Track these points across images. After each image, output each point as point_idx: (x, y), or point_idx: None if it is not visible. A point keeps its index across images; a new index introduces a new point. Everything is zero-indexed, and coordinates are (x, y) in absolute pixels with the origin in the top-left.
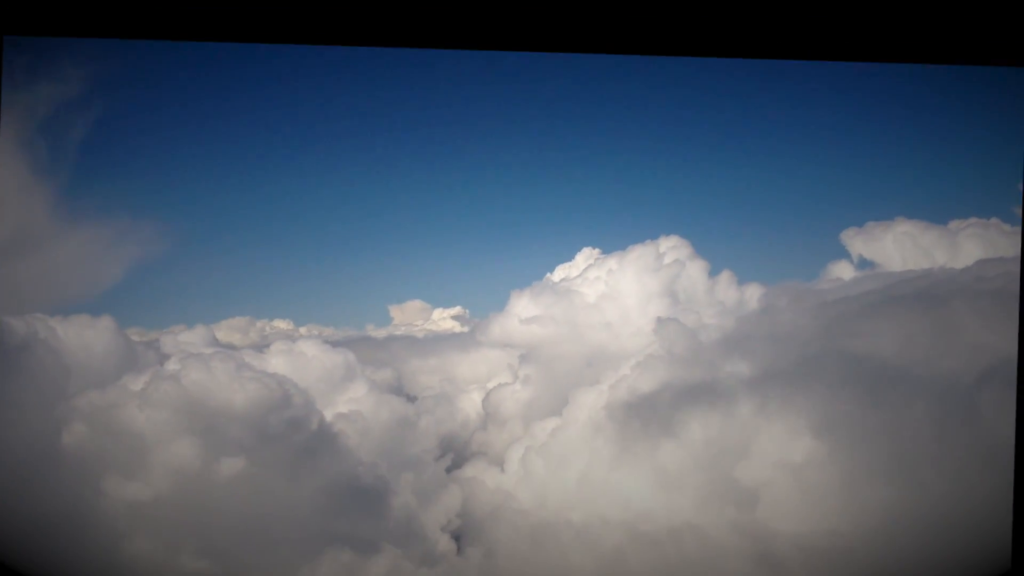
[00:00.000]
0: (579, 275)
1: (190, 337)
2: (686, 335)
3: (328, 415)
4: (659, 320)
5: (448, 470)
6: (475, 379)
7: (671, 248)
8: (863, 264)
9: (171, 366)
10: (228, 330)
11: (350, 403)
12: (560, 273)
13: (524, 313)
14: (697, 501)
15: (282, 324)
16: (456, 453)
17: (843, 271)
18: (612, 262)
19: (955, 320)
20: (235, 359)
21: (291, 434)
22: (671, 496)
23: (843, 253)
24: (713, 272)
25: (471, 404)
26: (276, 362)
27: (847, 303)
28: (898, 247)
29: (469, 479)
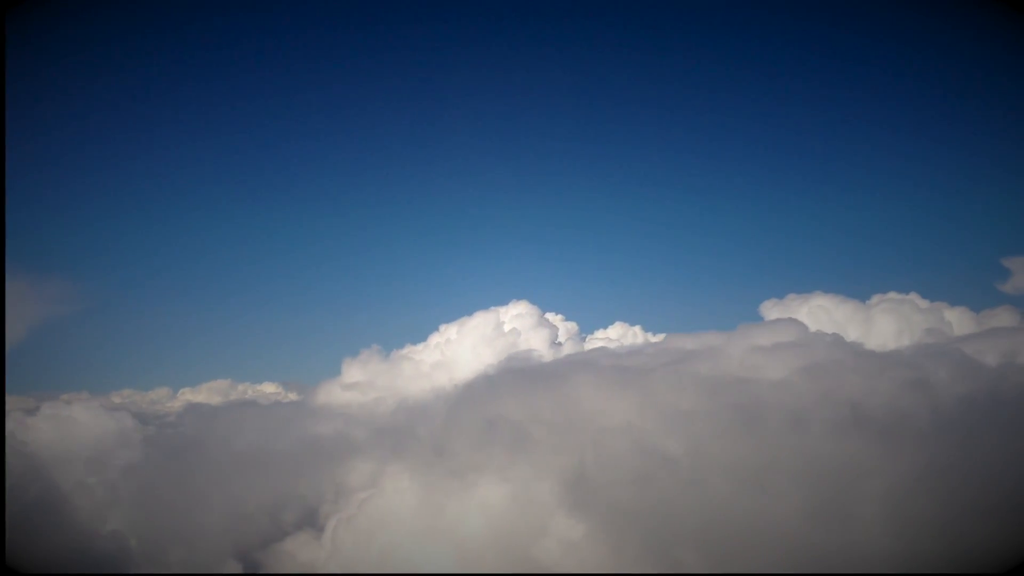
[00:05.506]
0: (422, 342)
1: None
2: (490, 402)
3: (68, 483)
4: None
5: (252, 544)
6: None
7: (516, 315)
8: None
9: None
10: (208, 392)
11: (113, 470)
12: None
13: (349, 379)
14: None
15: (270, 388)
16: (287, 524)
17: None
18: (453, 330)
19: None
20: None
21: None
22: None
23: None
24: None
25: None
26: (43, 428)
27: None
28: (812, 319)
29: (283, 552)
